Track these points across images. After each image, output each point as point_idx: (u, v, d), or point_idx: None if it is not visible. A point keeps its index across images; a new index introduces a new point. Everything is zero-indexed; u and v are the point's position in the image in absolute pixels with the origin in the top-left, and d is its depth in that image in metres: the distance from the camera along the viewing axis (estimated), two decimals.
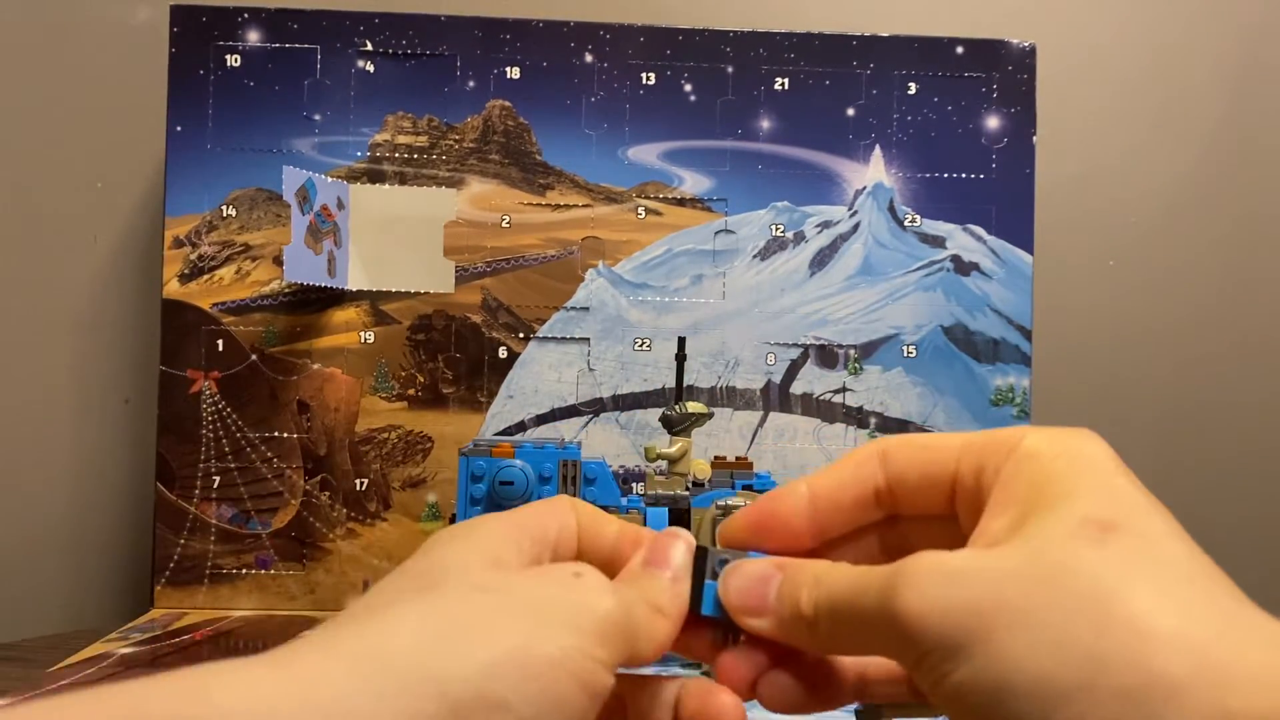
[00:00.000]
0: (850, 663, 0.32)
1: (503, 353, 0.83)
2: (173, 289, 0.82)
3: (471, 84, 0.83)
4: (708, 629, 0.31)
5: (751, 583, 0.30)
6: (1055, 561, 0.25)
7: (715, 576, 0.31)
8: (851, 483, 0.32)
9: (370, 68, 0.83)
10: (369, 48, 0.83)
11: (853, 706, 0.38)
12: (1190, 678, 0.23)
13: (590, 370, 0.83)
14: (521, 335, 0.83)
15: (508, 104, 0.84)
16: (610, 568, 0.32)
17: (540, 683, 0.26)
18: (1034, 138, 0.85)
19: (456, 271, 0.83)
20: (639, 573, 0.31)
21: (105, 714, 0.23)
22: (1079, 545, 0.25)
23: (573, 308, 0.84)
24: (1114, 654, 0.23)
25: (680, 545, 0.32)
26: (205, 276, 0.82)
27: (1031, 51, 0.85)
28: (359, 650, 0.25)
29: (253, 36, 0.82)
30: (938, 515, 0.31)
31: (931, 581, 0.25)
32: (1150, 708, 0.23)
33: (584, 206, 0.84)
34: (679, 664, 0.66)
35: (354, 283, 0.81)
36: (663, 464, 0.68)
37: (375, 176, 0.83)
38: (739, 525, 0.33)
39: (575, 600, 0.28)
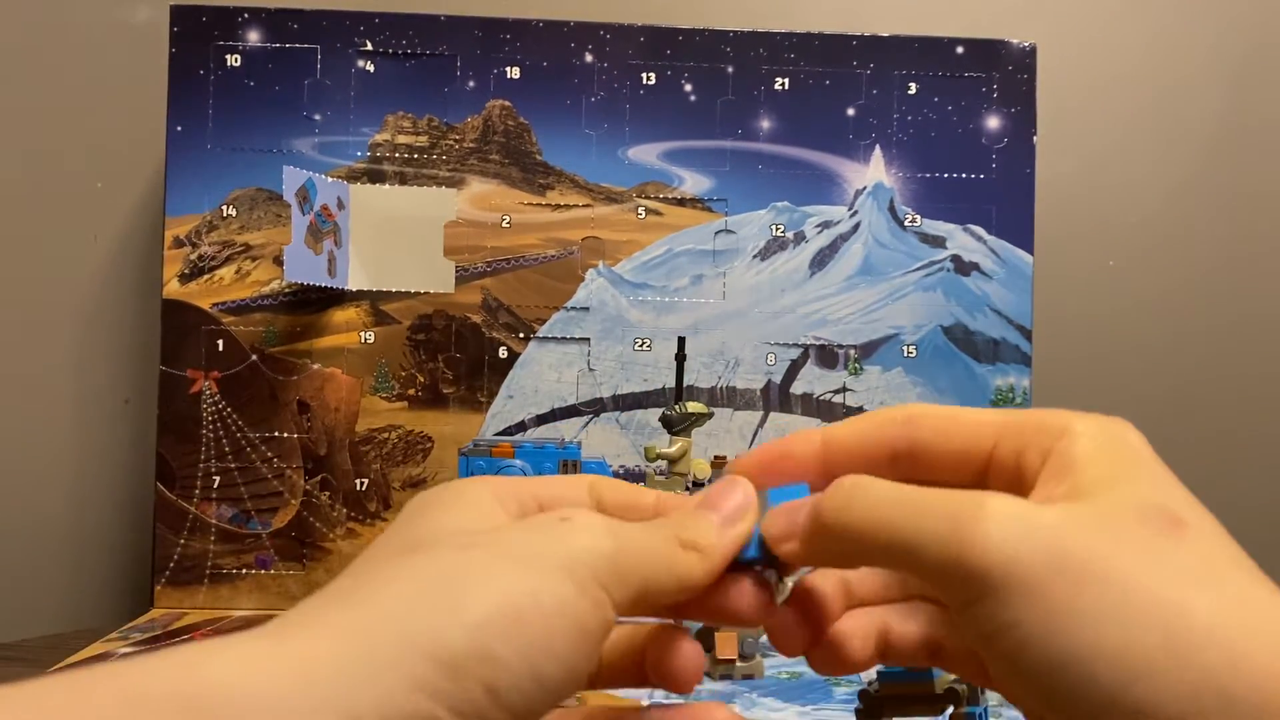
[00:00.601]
0: (895, 622, 0.32)
1: (503, 353, 0.83)
2: (173, 289, 0.82)
3: (471, 84, 0.83)
4: (750, 583, 0.31)
5: (790, 510, 0.30)
6: (1134, 542, 0.24)
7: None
8: (870, 440, 0.31)
9: (370, 68, 0.83)
10: (369, 48, 0.83)
11: (854, 706, 0.38)
12: (1274, 667, 0.23)
13: (590, 370, 0.83)
14: (521, 335, 0.83)
15: (508, 104, 0.84)
16: None
17: (533, 633, 0.26)
18: (1034, 138, 0.85)
19: (456, 271, 0.83)
20: (679, 512, 0.31)
21: (103, 695, 0.23)
22: (1151, 534, 0.25)
23: (573, 308, 0.84)
24: (1197, 638, 0.23)
25: (738, 491, 0.31)
26: (205, 276, 0.82)
27: (1031, 51, 0.85)
28: (349, 622, 0.25)
29: (253, 36, 0.82)
30: (957, 486, 0.30)
31: (1009, 524, 0.25)
32: (1230, 692, 0.23)
33: (584, 206, 0.84)
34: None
35: (354, 283, 0.81)
36: (663, 464, 0.68)
37: (375, 176, 0.83)
38: (749, 462, 0.32)
39: (565, 545, 0.27)
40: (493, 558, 0.27)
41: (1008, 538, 0.24)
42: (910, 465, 0.30)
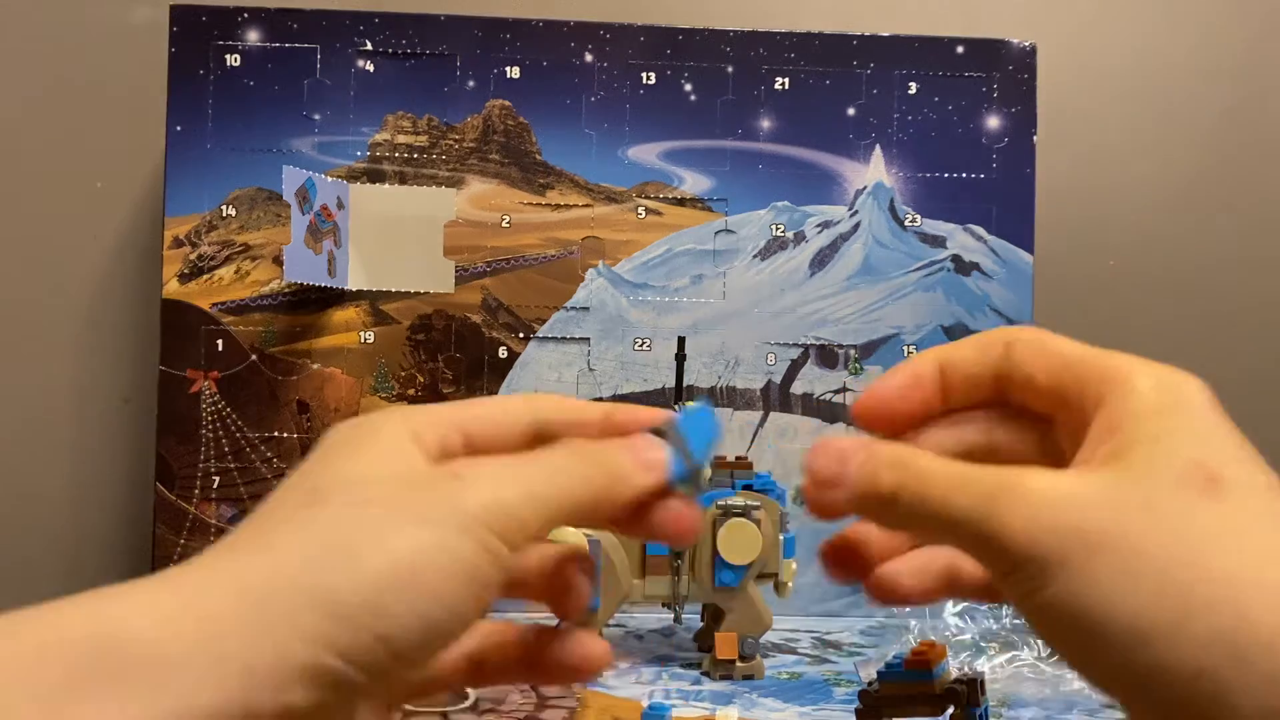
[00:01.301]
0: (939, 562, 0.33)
1: (503, 353, 0.83)
2: (173, 289, 0.82)
3: (471, 84, 0.83)
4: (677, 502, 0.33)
5: (834, 456, 0.30)
6: (1164, 506, 0.25)
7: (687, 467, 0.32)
8: (974, 361, 0.32)
9: (370, 67, 0.83)
10: (369, 47, 0.83)
11: (854, 706, 0.38)
12: None
13: (590, 370, 0.83)
14: (521, 335, 0.83)
15: (508, 104, 0.84)
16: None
17: (427, 588, 0.27)
18: (1034, 138, 0.85)
19: (456, 271, 0.83)
20: (602, 442, 0.32)
21: (16, 639, 0.24)
22: (1186, 493, 0.25)
23: (573, 308, 0.84)
24: (1210, 598, 0.24)
25: (654, 443, 0.33)
26: (205, 276, 0.82)
27: (1031, 51, 0.85)
28: (249, 575, 0.26)
29: (253, 36, 0.82)
30: (1040, 415, 0.32)
31: (1039, 502, 0.26)
32: (1242, 651, 0.23)
33: (584, 206, 0.84)
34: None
35: (354, 283, 0.81)
36: None
37: (375, 176, 0.83)
38: (885, 390, 0.33)
39: (458, 503, 0.29)
40: (388, 515, 0.28)
41: (1033, 517, 0.26)
42: (1010, 389, 0.32)
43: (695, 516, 0.34)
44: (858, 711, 0.37)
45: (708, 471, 0.34)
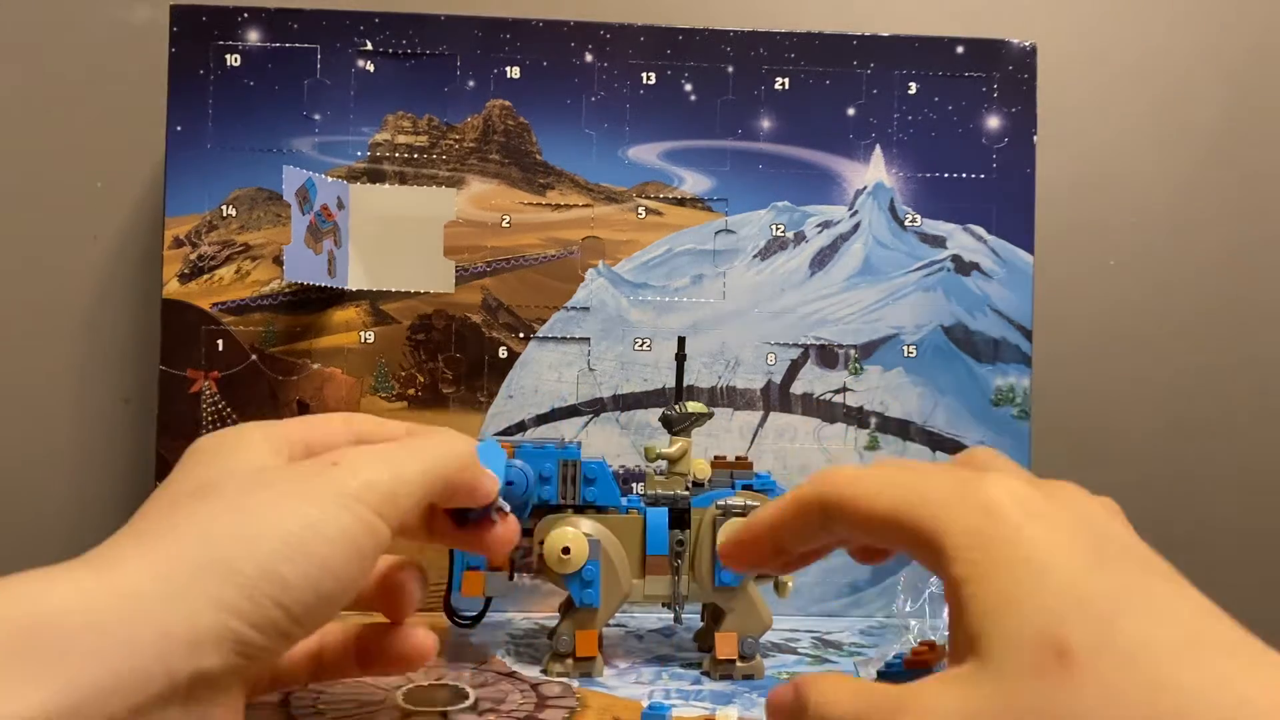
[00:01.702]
0: None
1: (503, 352, 0.83)
2: (173, 289, 0.82)
3: (471, 84, 0.83)
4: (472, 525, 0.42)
5: (780, 703, 0.33)
6: (1028, 708, 0.25)
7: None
8: (795, 521, 0.35)
9: (370, 67, 0.83)
10: (369, 47, 0.83)
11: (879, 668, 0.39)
12: None
13: (590, 370, 0.83)
14: (521, 335, 0.83)
15: (508, 104, 0.84)
16: None
17: (316, 557, 0.31)
18: (1034, 138, 0.85)
19: (456, 271, 0.83)
20: (445, 431, 0.39)
21: None
22: (1044, 683, 0.25)
23: (573, 308, 0.84)
24: None
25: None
26: (205, 276, 0.82)
27: (1031, 51, 0.85)
28: (158, 553, 0.29)
29: (253, 36, 0.82)
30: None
31: None
32: None
33: (584, 206, 0.84)
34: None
35: (354, 283, 0.81)
36: (662, 464, 0.68)
37: (375, 176, 0.83)
38: (727, 552, 0.38)
39: (334, 480, 0.32)
40: (279, 495, 0.32)
41: None
42: (841, 539, 0.35)
43: (516, 530, 0.42)
44: (880, 673, 0.37)
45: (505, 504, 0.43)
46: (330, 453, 0.35)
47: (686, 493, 0.66)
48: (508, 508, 0.43)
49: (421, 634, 0.39)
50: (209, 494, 0.32)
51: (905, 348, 0.85)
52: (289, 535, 0.30)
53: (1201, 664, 0.25)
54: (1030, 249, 0.85)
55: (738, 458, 0.69)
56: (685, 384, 0.81)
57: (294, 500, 0.31)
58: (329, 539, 0.31)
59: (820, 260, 0.85)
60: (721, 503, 0.64)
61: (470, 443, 0.40)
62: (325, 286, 0.80)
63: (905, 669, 0.35)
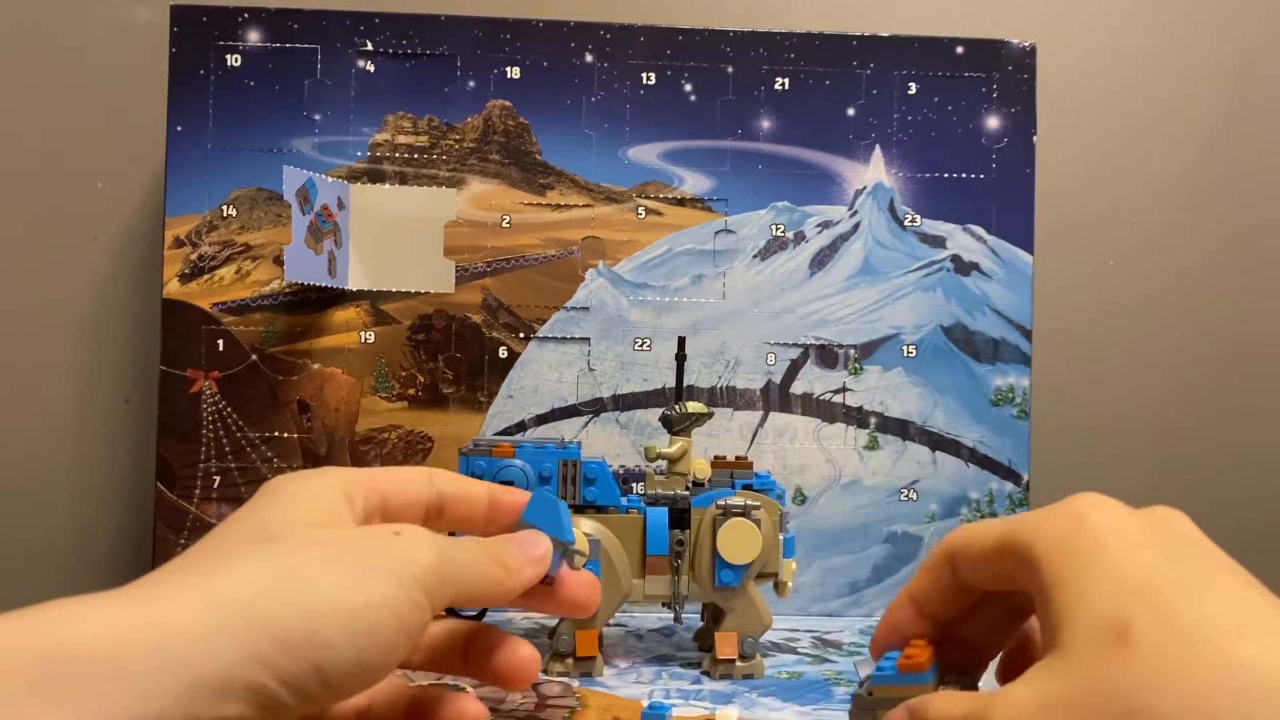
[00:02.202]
0: None
1: (503, 353, 0.83)
2: (173, 289, 0.82)
3: (471, 84, 0.83)
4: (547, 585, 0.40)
5: None
6: (1093, 684, 0.27)
7: (558, 548, 0.40)
8: (931, 583, 0.37)
9: (370, 68, 0.83)
10: (369, 48, 0.83)
11: (847, 694, 0.39)
12: None
13: (590, 370, 0.83)
14: (521, 335, 0.83)
15: (508, 104, 0.84)
16: (483, 532, 0.39)
17: (361, 625, 0.30)
18: (1034, 138, 0.85)
19: (456, 271, 0.83)
20: (498, 539, 0.38)
21: None
22: (1107, 663, 0.27)
23: (573, 308, 0.84)
24: None
25: (542, 544, 0.39)
26: (205, 276, 0.82)
27: (1031, 51, 0.85)
28: (204, 595, 0.29)
29: (253, 36, 0.82)
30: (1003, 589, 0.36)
31: None
32: None
33: (584, 206, 0.84)
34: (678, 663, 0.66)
35: (354, 283, 0.81)
36: (662, 464, 0.68)
37: (375, 176, 0.83)
38: (880, 640, 0.39)
39: (395, 555, 0.32)
40: (335, 557, 0.31)
41: None
42: (971, 587, 0.36)
43: (592, 585, 0.41)
44: (851, 714, 0.37)
45: (582, 542, 0.42)
46: (393, 524, 0.34)
47: (686, 492, 0.66)
48: (579, 561, 0.41)
49: (471, 705, 0.38)
50: (267, 542, 0.31)
51: (905, 348, 0.85)
52: (340, 601, 0.30)
53: (1258, 640, 0.27)
54: (1030, 249, 0.86)
55: (738, 458, 0.70)
56: (685, 384, 0.81)
57: (351, 567, 0.31)
58: (380, 610, 0.30)
59: (820, 260, 0.85)
60: (721, 502, 0.64)
61: (534, 548, 0.38)
62: (325, 286, 0.80)
63: (899, 673, 0.35)
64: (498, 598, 0.37)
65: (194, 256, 0.82)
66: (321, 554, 0.31)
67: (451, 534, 0.38)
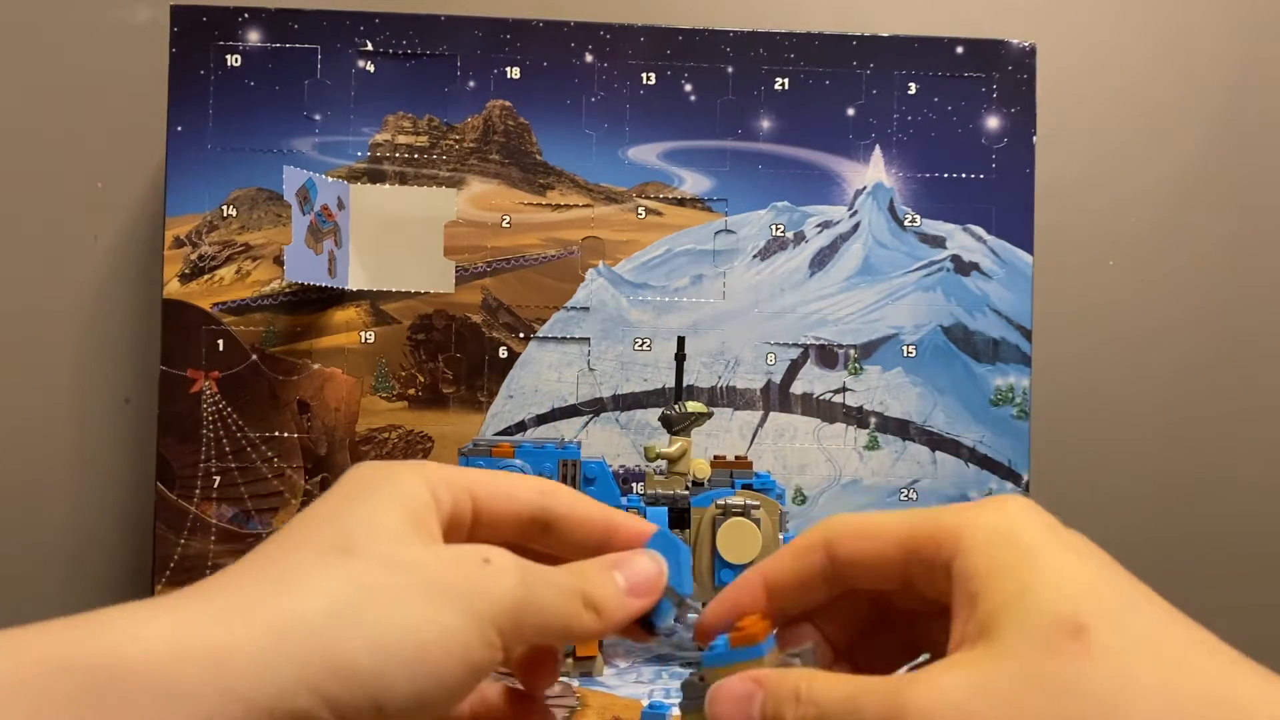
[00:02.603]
0: None
1: (503, 353, 0.83)
2: (173, 289, 0.82)
3: (471, 84, 0.83)
4: (648, 632, 0.35)
5: (735, 704, 0.31)
6: (1043, 678, 0.26)
7: (671, 597, 0.34)
8: (795, 570, 0.34)
9: (370, 68, 0.83)
10: (369, 48, 0.83)
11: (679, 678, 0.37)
12: None
13: (590, 370, 0.83)
14: (521, 335, 0.83)
15: (508, 104, 0.84)
16: (596, 551, 0.34)
17: (429, 665, 0.28)
18: (1034, 138, 0.85)
19: (456, 271, 0.83)
20: (592, 567, 0.33)
21: (28, 661, 0.24)
22: (1058, 658, 0.26)
23: (573, 308, 0.84)
24: None
25: (653, 568, 0.34)
26: (205, 276, 0.82)
27: (1031, 51, 0.85)
28: (270, 614, 0.27)
29: (253, 36, 0.82)
30: (884, 590, 0.33)
31: (938, 714, 0.26)
32: None
33: (584, 206, 0.84)
34: (677, 662, 0.66)
35: (354, 283, 0.81)
36: (662, 464, 0.68)
37: (375, 176, 0.83)
38: (709, 617, 0.35)
39: (478, 586, 0.29)
40: (412, 585, 0.29)
41: None
42: (842, 581, 0.33)
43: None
44: (681, 705, 0.35)
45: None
46: (484, 548, 0.31)
47: (686, 492, 0.66)
48: (691, 619, 0.36)
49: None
50: (345, 556, 0.29)
51: (905, 348, 0.85)
52: (408, 636, 0.28)
53: (1215, 656, 0.26)
54: (1030, 249, 0.86)
55: (738, 457, 0.70)
56: (685, 384, 0.81)
57: (427, 598, 0.29)
58: (449, 650, 0.28)
59: (820, 260, 0.85)
60: (721, 502, 0.64)
61: (644, 589, 0.34)
62: (325, 286, 0.80)
63: (731, 648, 0.33)
64: (583, 640, 0.34)
65: (194, 256, 0.82)
66: (398, 580, 0.29)
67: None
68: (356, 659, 0.27)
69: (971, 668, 0.27)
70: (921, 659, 0.35)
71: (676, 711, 0.55)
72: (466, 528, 0.33)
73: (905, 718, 0.27)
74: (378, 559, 0.29)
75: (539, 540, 0.35)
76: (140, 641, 0.25)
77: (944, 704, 0.26)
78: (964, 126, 0.85)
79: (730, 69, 0.84)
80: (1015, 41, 0.85)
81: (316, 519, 0.30)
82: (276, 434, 0.82)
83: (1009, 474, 0.84)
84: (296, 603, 0.27)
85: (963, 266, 0.85)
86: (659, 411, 0.70)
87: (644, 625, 0.34)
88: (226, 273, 0.82)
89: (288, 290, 0.82)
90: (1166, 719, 0.25)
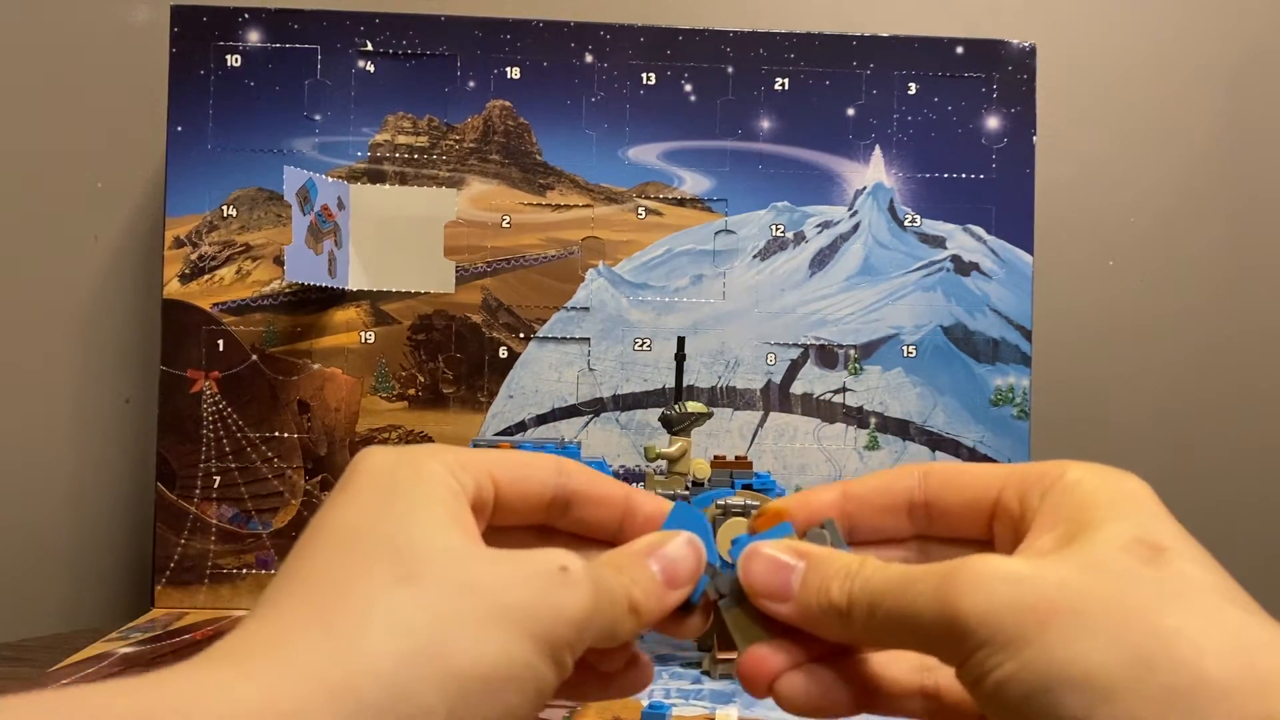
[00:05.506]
0: (871, 670, 0.32)
1: (503, 353, 0.83)
2: (173, 289, 0.82)
3: (471, 84, 0.83)
4: (684, 614, 0.33)
5: (773, 567, 0.31)
6: (1111, 572, 0.26)
7: (706, 571, 0.32)
8: (886, 490, 0.33)
9: (370, 68, 0.83)
10: (369, 48, 0.83)
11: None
12: (1238, 681, 0.24)
13: (590, 370, 0.83)
14: (522, 335, 0.83)
15: (508, 104, 0.84)
16: (614, 541, 0.33)
17: (500, 697, 0.27)
18: (1034, 138, 0.85)
19: (457, 271, 0.83)
20: (633, 561, 0.31)
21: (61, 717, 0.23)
22: (1133, 561, 0.26)
23: (573, 308, 0.84)
24: (1164, 656, 0.24)
25: (691, 554, 0.32)
26: (205, 276, 0.82)
27: (1031, 51, 0.85)
28: (335, 667, 0.25)
29: (253, 36, 0.82)
30: (968, 540, 0.32)
31: (994, 583, 0.26)
32: (1196, 706, 0.24)
33: (584, 206, 0.84)
34: (679, 664, 0.66)
35: (354, 283, 0.81)
36: (662, 464, 0.68)
37: (375, 176, 0.83)
38: (773, 510, 0.34)
39: (550, 603, 0.28)
40: (485, 614, 0.27)
41: (987, 596, 0.26)
42: (926, 517, 0.33)
43: (698, 625, 0.33)
44: (708, 592, 0.34)
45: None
46: (559, 553, 0.29)
47: (686, 492, 0.66)
48: (717, 593, 0.33)
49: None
50: (409, 584, 0.27)
51: (905, 348, 0.85)
52: (484, 672, 0.26)
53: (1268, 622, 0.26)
54: (1030, 249, 0.86)
55: (738, 457, 0.70)
56: (685, 384, 0.81)
57: (500, 627, 0.27)
58: (523, 684, 0.27)
59: (820, 260, 0.85)
60: (721, 502, 0.64)
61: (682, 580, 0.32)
62: (325, 286, 0.80)
63: (751, 534, 0.33)
64: (622, 641, 0.31)
65: (194, 257, 0.82)
66: (469, 608, 0.27)
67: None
68: (429, 704, 0.26)
69: (1044, 557, 0.27)
70: None
71: (676, 711, 0.55)
72: (489, 512, 0.32)
73: (958, 580, 0.27)
74: (445, 585, 0.27)
75: (559, 519, 0.34)
76: (199, 698, 0.24)
77: (1014, 572, 0.26)
78: (964, 126, 0.85)
79: (730, 69, 0.84)
80: (1015, 41, 0.85)
81: (361, 535, 0.28)
82: (276, 434, 0.82)
83: None
84: (363, 653, 0.26)
85: (963, 266, 0.85)
86: (659, 411, 0.70)
87: (680, 606, 0.33)
88: (226, 273, 0.82)
89: (288, 290, 0.82)
90: (1218, 626, 0.25)
